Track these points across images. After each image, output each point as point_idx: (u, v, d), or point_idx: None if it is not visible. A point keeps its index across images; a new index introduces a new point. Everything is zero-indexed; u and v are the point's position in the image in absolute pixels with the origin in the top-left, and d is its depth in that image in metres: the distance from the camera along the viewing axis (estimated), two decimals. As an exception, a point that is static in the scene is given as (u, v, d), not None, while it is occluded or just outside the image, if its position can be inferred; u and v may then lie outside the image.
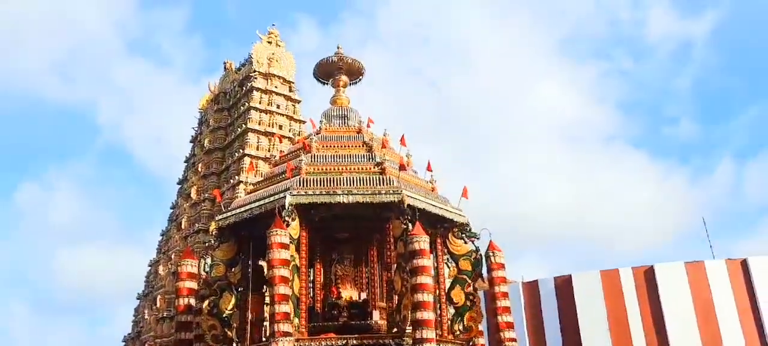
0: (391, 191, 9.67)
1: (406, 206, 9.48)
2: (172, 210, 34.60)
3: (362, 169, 10.34)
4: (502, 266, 10.85)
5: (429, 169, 11.35)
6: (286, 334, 8.37)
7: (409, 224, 9.36)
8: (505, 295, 10.69)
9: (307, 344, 9.01)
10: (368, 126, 11.83)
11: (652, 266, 21.48)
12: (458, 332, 10.29)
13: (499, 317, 10.51)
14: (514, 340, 10.50)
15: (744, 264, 20.93)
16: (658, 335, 20.25)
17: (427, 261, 9.11)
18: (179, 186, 34.81)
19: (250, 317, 10.17)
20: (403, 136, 11.48)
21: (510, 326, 10.51)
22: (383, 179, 10.01)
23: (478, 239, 10.86)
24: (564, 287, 21.92)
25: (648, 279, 21.12)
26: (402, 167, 10.59)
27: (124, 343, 34.89)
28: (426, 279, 8.91)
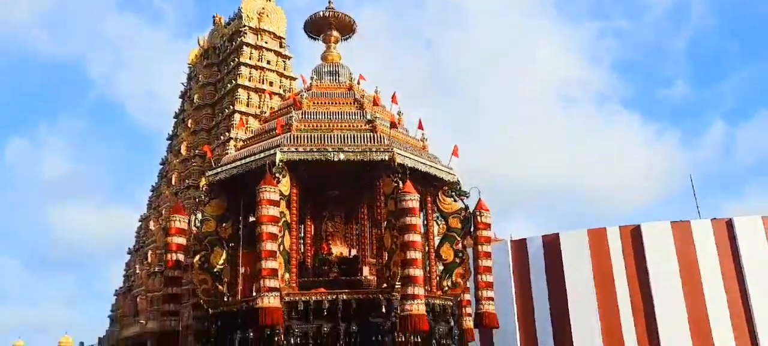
0: (382, 149, 9.67)
1: (396, 163, 9.49)
2: (162, 166, 34.47)
3: (353, 126, 10.31)
4: (487, 226, 10.98)
5: (420, 127, 11.34)
6: (272, 289, 8.44)
7: (400, 182, 9.38)
8: (488, 255, 10.86)
9: (297, 298, 9.10)
10: (359, 83, 11.75)
11: (638, 226, 21.73)
12: (446, 288, 10.44)
13: (480, 276, 10.71)
14: (491, 299, 10.69)
15: (729, 224, 21.22)
16: (643, 292, 20.62)
17: (417, 219, 9.17)
18: (169, 142, 34.60)
19: (242, 272, 10.24)
20: (394, 93, 11.42)
21: (489, 285, 10.70)
22: (374, 136, 9.99)
23: (467, 197, 10.94)
24: (551, 246, 22.18)
25: (634, 238, 21.39)
26: (393, 125, 10.56)
27: (115, 297, 35.15)
28: (416, 237, 8.98)
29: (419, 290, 8.68)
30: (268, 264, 8.48)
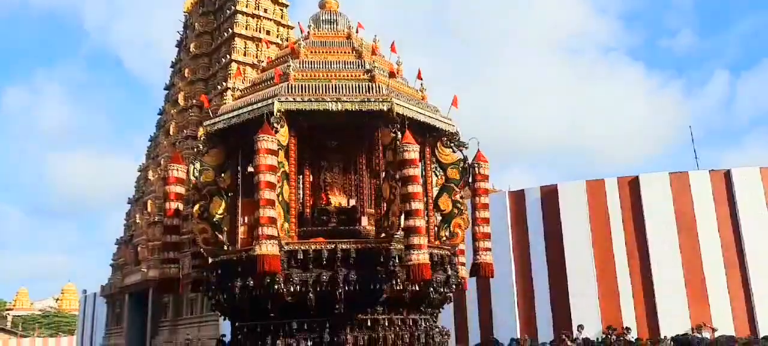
0: (381, 99, 9.59)
1: (395, 114, 9.43)
2: (159, 116, 34.33)
3: (351, 76, 10.21)
4: (486, 178, 10.98)
5: (419, 77, 11.23)
6: (271, 237, 8.50)
7: (399, 133, 9.34)
8: (486, 206, 10.92)
9: (297, 247, 9.17)
10: (357, 32, 11.58)
11: (636, 177, 21.78)
12: (444, 238, 10.52)
13: (477, 227, 10.78)
14: (489, 249, 10.80)
15: (727, 175, 21.27)
16: (639, 242, 20.82)
17: (417, 170, 9.17)
18: (166, 92, 34.38)
19: (241, 222, 10.29)
20: (393, 43, 11.27)
21: (486, 236, 10.80)
22: (372, 86, 9.90)
23: (466, 148, 10.91)
24: (549, 197, 22.28)
25: (632, 189, 21.46)
26: (392, 75, 10.45)
27: (117, 246, 35.50)
28: (417, 188, 9.00)
29: (422, 240, 8.75)
30: (267, 212, 8.51)
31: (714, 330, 16.47)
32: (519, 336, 17.78)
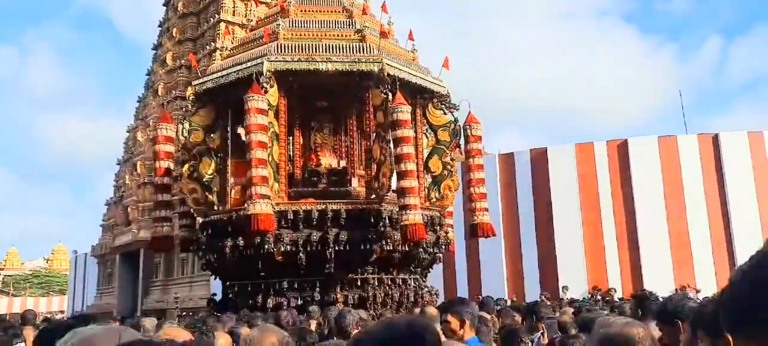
0: (371, 60, 9.53)
1: (386, 75, 9.38)
2: (147, 76, 33.91)
3: (342, 35, 10.11)
4: (478, 139, 11.00)
5: (410, 38, 11.13)
6: (264, 196, 8.51)
7: (390, 94, 9.30)
8: (480, 167, 10.96)
9: (287, 208, 9.20)
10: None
11: (625, 140, 21.87)
12: (434, 199, 10.58)
13: (472, 189, 10.83)
14: (486, 210, 10.86)
15: (715, 139, 21.40)
16: (626, 204, 21.00)
17: (409, 131, 9.18)
18: (154, 52, 33.89)
19: (231, 182, 10.28)
20: (384, 2, 11.13)
21: (482, 196, 10.85)
22: (363, 46, 9.82)
23: (457, 110, 10.90)
24: (539, 159, 22.36)
25: (621, 153, 21.57)
26: (383, 35, 10.36)
27: (106, 207, 35.41)
28: (409, 149, 9.03)
29: (415, 201, 8.82)
30: (259, 172, 8.52)
31: (697, 292, 16.78)
32: (507, 297, 18.05)
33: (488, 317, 5.72)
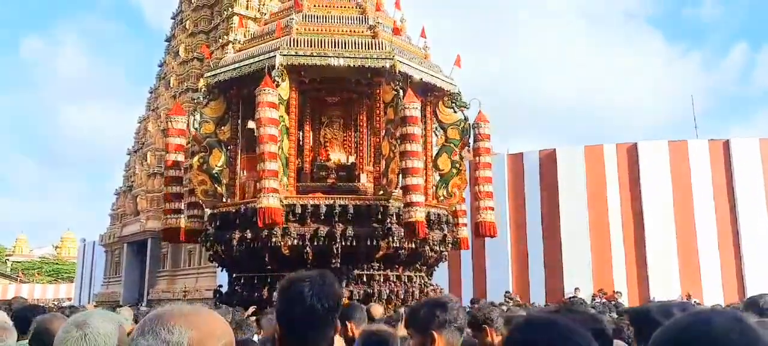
0: (383, 56, 9.54)
1: (397, 71, 9.39)
2: (160, 68, 34.06)
3: (354, 31, 10.13)
4: (487, 137, 10.99)
5: (423, 35, 11.13)
6: (274, 190, 8.55)
7: (400, 91, 9.32)
8: (487, 166, 10.95)
9: (295, 202, 9.23)
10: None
11: (635, 143, 21.76)
12: (442, 198, 10.58)
13: (478, 187, 10.83)
14: (491, 209, 10.85)
15: (726, 145, 21.25)
16: (634, 210, 20.90)
17: (417, 129, 9.19)
18: (167, 43, 34.03)
19: (240, 175, 10.34)
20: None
21: (488, 195, 10.85)
22: (375, 42, 9.83)
23: (468, 108, 10.89)
24: (548, 161, 22.29)
25: (630, 156, 21.45)
26: (395, 32, 10.38)
27: (115, 196, 35.62)
28: (416, 146, 9.03)
29: (419, 198, 8.85)
30: (269, 166, 8.56)
31: (696, 303, 16.66)
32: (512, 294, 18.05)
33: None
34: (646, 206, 20.60)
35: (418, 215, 8.78)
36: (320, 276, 2.13)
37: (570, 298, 13.77)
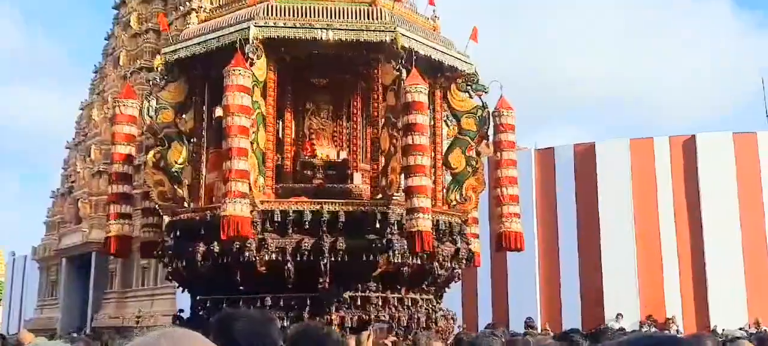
0: (382, 28, 9.54)
1: (399, 47, 9.39)
2: (106, 41, 34.04)
3: (346, -2, 10.14)
4: (511, 129, 10.92)
5: (431, 3, 11.14)
6: (243, 195, 8.53)
7: (403, 70, 9.32)
8: (513, 163, 10.84)
9: (274, 207, 9.23)
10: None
11: (692, 136, 21.80)
12: (454, 203, 10.57)
13: (501, 189, 10.74)
14: (517, 216, 10.81)
15: (804, 138, 21.30)
16: (691, 217, 20.91)
17: (424, 117, 9.18)
18: (116, 11, 33.98)
19: (206, 174, 10.34)
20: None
21: (513, 199, 10.78)
22: (372, 11, 9.83)
23: (486, 93, 10.87)
24: (585, 157, 22.31)
25: (687, 151, 21.47)
26: (397, -1, 10.39)
27: (52, 199, 35.59)
28: (421, 139, 9.01)
29: (425, 203, 8.81)
30: (238, 165, 8.53)
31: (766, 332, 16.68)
32: (539, 326, 18.04)
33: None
34: (706, 211, 20.65)
35: (424, 223, 8.76)
36: (260, 317, 2.32)
37: (600, 327, 13.15)
